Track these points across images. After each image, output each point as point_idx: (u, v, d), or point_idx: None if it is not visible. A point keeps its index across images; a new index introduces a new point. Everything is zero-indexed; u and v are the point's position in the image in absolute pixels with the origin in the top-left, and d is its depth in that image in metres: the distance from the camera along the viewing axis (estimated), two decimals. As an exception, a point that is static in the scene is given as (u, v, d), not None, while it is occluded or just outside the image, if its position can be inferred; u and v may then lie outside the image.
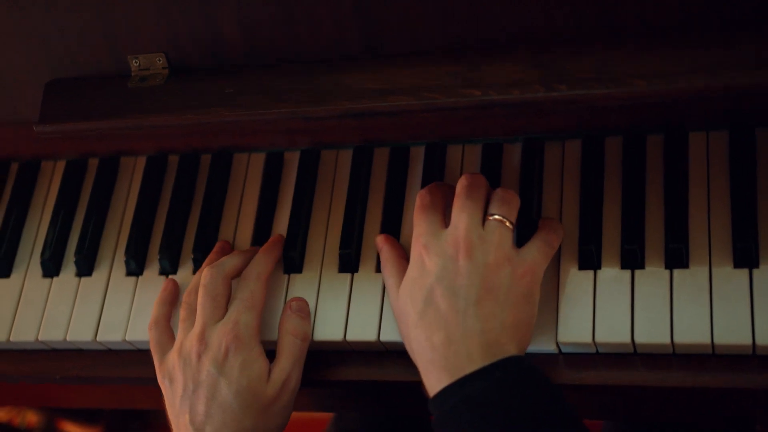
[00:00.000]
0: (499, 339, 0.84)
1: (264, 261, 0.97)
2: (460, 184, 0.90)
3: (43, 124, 0.97)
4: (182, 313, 0.96)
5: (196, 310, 0.95)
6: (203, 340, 0.92)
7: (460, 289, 0.85)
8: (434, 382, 0.84)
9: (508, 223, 0.88)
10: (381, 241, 0.96)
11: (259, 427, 0.91)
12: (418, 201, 0.92)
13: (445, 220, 0.91)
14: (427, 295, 0.86)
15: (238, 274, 0.97)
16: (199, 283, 0.96)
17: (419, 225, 0.90)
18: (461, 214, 0.88)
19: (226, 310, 0.94)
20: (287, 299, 0.98)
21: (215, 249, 1.02)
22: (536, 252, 0.88)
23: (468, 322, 0.84)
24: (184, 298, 0.97)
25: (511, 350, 0.84)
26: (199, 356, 0.91)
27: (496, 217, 0.88)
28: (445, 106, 0.85)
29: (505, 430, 0.80)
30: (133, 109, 0.96)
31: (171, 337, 0.97)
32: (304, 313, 0.95)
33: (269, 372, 0.92)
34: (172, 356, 0.94)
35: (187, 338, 0.93)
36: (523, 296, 0.86)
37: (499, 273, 0.85)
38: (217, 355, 0.91)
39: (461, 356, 0.83)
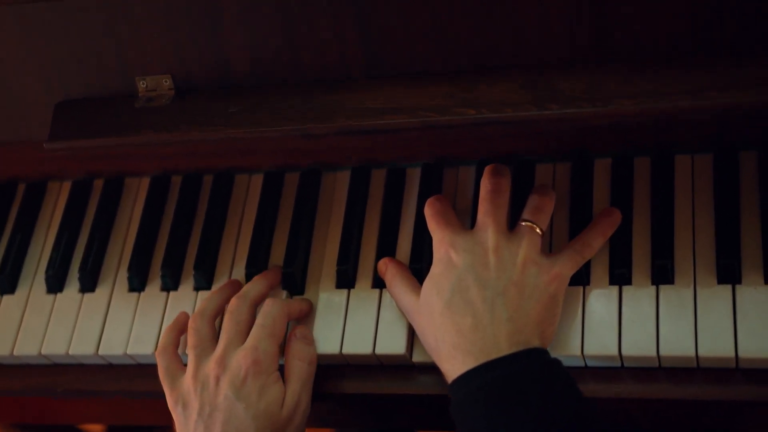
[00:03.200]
0: (524, 329, 0.86)
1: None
2: (484, 188, 0.93)
3: (52, 141, 1.00)
4: (191, 339, 0.97)
5: (206, 336, 0.97)
6: (223, 363, 0.93)
7: (488, 280, 0.87)
8: (458, 366, 0.86)
9: (538, 230, 0.91)
10: (384, 263, 0.98)
11: None
12: (428, 210, 0.95)
13: (458, 220, 0.93)
14: (456, 283, 0.88)
15: (263, 299, 1.00)
16: (203, 308, 0.99)
17: (440, 229, 0.93)
18: (487, 219, 0.91)
19: (247, 335, 0.96)
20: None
21: (228, 283, 1.03)
22: (566, 259, 0.91)
23: (496, 310, 0.86)
24: (191, 324, 0.98)
25: (535, 342, 0.87)
26: (218, 380, 0.93)
27: (528, 223, 0.91)
28: (440, 124, 0.89)
29: (526, 417, 0.81)
30: (139, 127, 0.99)
31: (180, 363, 0.98)
32: (308, 339, 0.98)
33: (284, 396, 0.94)
34: (187, 381, 0.95)
35: (205, 363, 0.95)
36: (549, 297, 0.88)
37: (526, 272, 0.88)
38: (235, 379, 0.92)
39: (488, 342, 0.85)
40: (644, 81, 0.87)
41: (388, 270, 0.97)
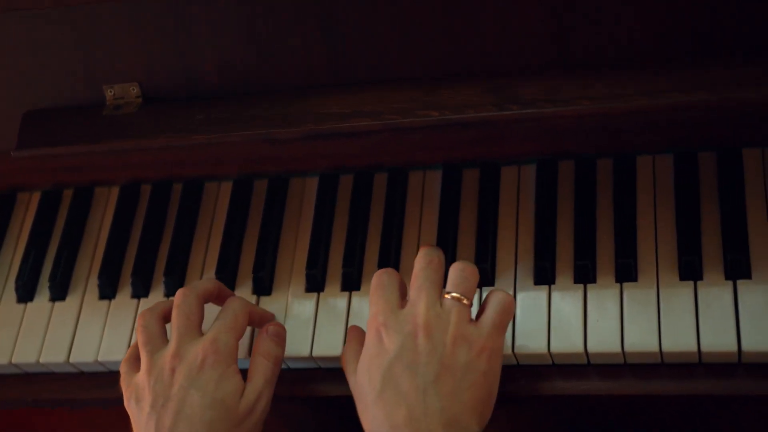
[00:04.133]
0: (460, 417, 0.85)
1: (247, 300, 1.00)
2: (418, 263, 0.92)
3: (20, 149, 1.01)
4: (141, 337, 0.95)
5: (155, 333, 0.96)
6: (178, 355, 0.93)
7: (419, 366, 0.86)
8: None
9: (465, 301, 0.89)
10: (350, 330, 0.98)
11: None
12: (374, 280, 0.93)
13: (401, 299, 0.92)
14: (386, 373, 0.87)
15: (210, 297, 1.00)
16: (152, 307, 0.98)
17: (377, 303, 0.91)
18: (420, 293, 0.90)
19: (200, 331, 0.96)
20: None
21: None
22: (491, 328, 0.89)
23: (429, 400, 0.85)
24: (139, 321, 0.96)
25: (473, 427, 0.86)
26: (173, 371, 0.92)
27: (454, 295, 0.89)
28: (403, 126, 0.90)
29: None
30: (106, 135, 1.00)
31: (138, 365, 0.97)
32: (280, 338, 0.98)
33: (243, 390, 0.94)
34: (141, 376, 0.94)
35: (158, 357, 0.94)
36: (482, 373, 0.87)
37: (457, 352, 0.87)
38: (191, 367, 0.92)
39: None
40: (603, 85, 0.89)
41: (349, 337, 0.96)
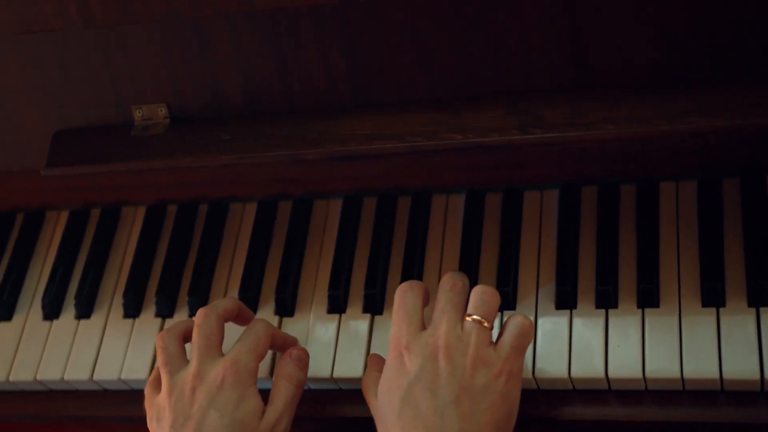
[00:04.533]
0: None
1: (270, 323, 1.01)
2: (443, 287, 0.93)
3: (50, 167, 1.03)
4: (161, 358, 0.96)
5: (174, 353, 0.97)
6: (199, 376, 0.93)
7: (438, 389, 0.87)
8: None
9: (486, 324, 0.90)
10: (370, 357, 0.99)
11: None
12: (397, 297, 0.94)
13: (423, 319, 0.93)
14: (405, 394, 0.88)
15: (230, 317, 1.00)
16: (171, 327, 0.99)
17: (399, 325, 0.92)
18: (443, 316, 0.91)
19: (220, 350, 0.97)
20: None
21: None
22: (509, 351, 0.89)
23: (447, 421, 0.86)
24: (158, 343, 0.97)
25: None
26: (194, 391, 0.93)
27: (475, 317, 0.90)
28: (427, 149, 0.91)
29: None
30: (134, 155, 1.01)
31: (160, 385, 0.98)
32: (302, 362, 0.99)
33: (263, 411, 0.94)
34: (162, 397, 0.95)
35: (179, 378, 0.95)
36: (500, 395, 0.87)
37: (476, 375, 0.87)
38: (211, 387, 0.92)
39: None
40: (625, 107, 0.89)
41: (368, 366, 0.97)
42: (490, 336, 0.90)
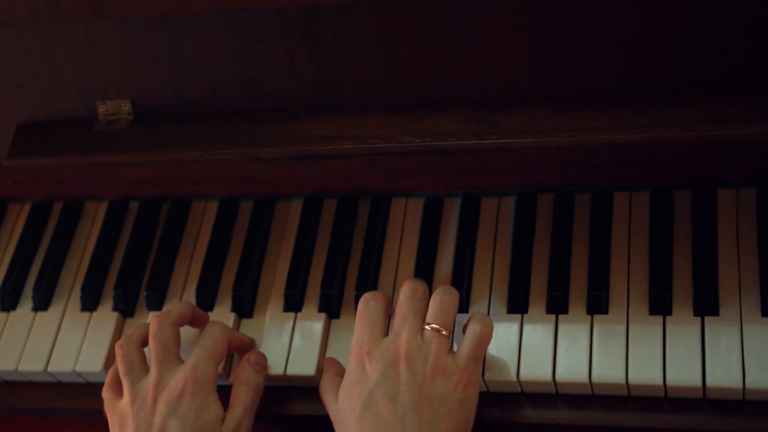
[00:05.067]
0: None
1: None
2: (404, 294, 0.96)
3: (11, 158, 1.03)
4: (121, 367, 0.97)
5: (135, 361, 0.97)
6: (160, 386, 0.94)
7: (398, 395, 0.89)
8: None
9: (444, 332, 0.92)
10: (325, 361, 1.00)
11: None
12: (360, 306, 0.96)
13: (385, 327, 0.95)
14: (367, 400, 0.89)
15: (185, 321, 1.01)
16: (129, 334, 0.99)
17: (361, 332, 0.94)
18: (404, 324, 0.93)
19: (178, 357, 0.97)
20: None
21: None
22: (467, 360, 0.92)
23: (407, 427, 0.87)
24: (118, 351, 0.98)
25: None
26: (155, 401, 0.94)
27: (434, 326, 0.93)
28: (384, 151, 0.92)
29: None
30: (95, 149, 1.02)
31: (121, 391, 0.99)
32: (261, 366, 1.00)
33: (223, 418, 0.95)
34: (125, 405, 0.95)
35: (140, 386, 0.95)
36: (459, 403, 0.90)
37: (435, 383, 0.90)
38: (171, 397, 0.93)
39: None
40: (581, 117, 0.91)
41: (325, 369, 0.99)
42: (449, 344, 0.93)
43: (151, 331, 0.97)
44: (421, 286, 0.96)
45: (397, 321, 0.94)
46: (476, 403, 0.92)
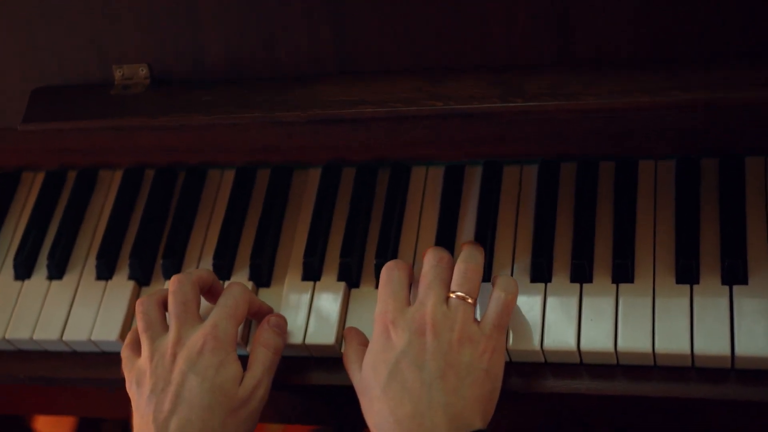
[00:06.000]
0: (463, 412, 0.87)
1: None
2: (428, 262, 0.94)
3: (26, 123, 1.02)
4: (141, 324, 0.96)
5: (155, 319, 0.96)
6: (180, 342, 0.93)
7: (425, 363, 0.88)
8: None
9: (470, 300, 0.92)
10: (347, 331, 0.99)
11: (226, 430, 0.92)
12: (383, 275, 0.95)
13: (409, 296, 0.94)
14: (393, 368, 0.89)
15: (205, 285, 1.00)
16: (150, 294, 0.98)
17: (385, 301, 0.93)
18: (429, 292, 0.92)
19: (198, 316, 0.96)
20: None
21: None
22: (491, 328, 0.91)
23: (434, 396, 0.87)
24: (138, 308, 0.97)
25: (476, 423, 0.87)
26: (174, 356, 0.93)
27: (459, 294, 0.92)
28: (407, 114, 0.90)
29: None
30: (111, 112, 1.00)
31: (139, 351, 0.97)
32: (281, 329, 0.98)
33: (242, 378, 0.94)
34: (142, 361, 0.95)
35: (159, 343, 0.94)
36: (485, 371, 0.89)
37: (461, 351, 0.89)
38: (191, 353, 0.92)
39: (426, 429, 0.86)
40: (606, 82, 0.90)
41: (345, 339, 0.98)
42: (474, 312, 0.92)
43: (171, 288, 0.96)
44: (446, 254, 0.95)
45: (422, 289, 0.93)
46: (502, 372, 0.91)
